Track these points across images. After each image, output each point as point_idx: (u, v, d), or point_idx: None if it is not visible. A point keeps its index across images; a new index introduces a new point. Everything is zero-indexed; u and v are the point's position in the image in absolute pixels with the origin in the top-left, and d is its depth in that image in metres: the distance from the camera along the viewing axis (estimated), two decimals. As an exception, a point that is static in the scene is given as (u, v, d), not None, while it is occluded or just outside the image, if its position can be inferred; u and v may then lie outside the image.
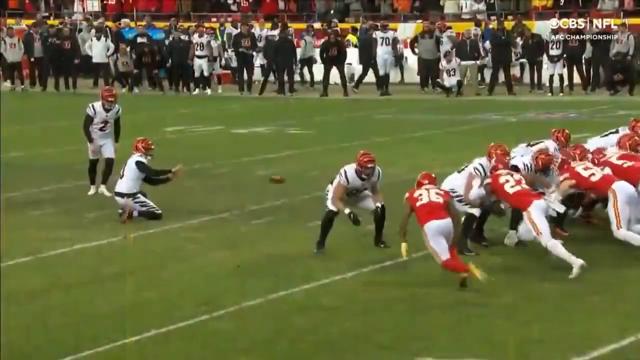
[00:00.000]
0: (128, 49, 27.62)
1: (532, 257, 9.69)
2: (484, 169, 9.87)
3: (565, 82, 24.93)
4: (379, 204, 9.91)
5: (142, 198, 11.55)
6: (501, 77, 25.49)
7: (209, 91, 26.94)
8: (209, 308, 8.20)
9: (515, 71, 26.67)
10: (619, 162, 10.02)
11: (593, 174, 9.86)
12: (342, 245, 10.28)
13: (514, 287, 8.83)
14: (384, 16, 30.07)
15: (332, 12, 31.25)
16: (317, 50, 26.71)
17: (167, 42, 27.65)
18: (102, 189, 12.76)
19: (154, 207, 11.60)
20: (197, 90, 26.99)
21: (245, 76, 26.63)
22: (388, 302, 8.40)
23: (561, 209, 9.58)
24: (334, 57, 25.69)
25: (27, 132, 19.73)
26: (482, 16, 29.08)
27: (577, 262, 9.03)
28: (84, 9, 33.10)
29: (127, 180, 11.58)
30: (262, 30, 27.69)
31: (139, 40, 27.79)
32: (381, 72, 26.08)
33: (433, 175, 9.42)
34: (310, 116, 21.51)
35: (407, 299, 8.48)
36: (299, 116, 21.56)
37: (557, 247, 9.18)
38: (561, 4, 28.79)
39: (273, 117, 21.58)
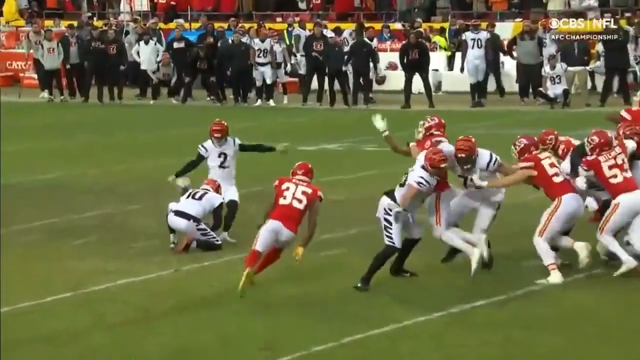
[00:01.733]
0: (169, 58, 27.85)
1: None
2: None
3: (693, 90, 24.72)
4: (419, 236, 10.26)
5: (203, 225, 11.74)
6: (615, 84, 25.40)
7: (272, 102, 27.13)
8: (272, 353, 8.22)
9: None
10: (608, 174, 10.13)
11: (556, 174, 10.10)
12: (426, 282, 10.30)
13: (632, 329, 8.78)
14: (477, 14, 30.05)
15: (415, 10, 31.28)
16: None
17: (220, 44, 27.67)
18: (225, 235, 12.13)
19: (214, 237, 11.73)
20: (259, 101, 27.14)
21: (317, 85, 26.87)
22: (480, 347, 8.39)
23: (483, 184, 10.09)
24: (416, 61, 25.66)
25: (67, 149, 20.01)
26: (593, 14, 28.79)
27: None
28: (131, 9, 33.40)
29: (201, 206, 11.71)
30: (325, 31, 27.59)
31: (176, 45, 27.97)
32: (472, 80, 26.12)
33: (310, 166, 9.89)
34: (390, 130, 21.45)
35: (502, 344, 8.46)
36: (377, 131, 21.55)
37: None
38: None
39: (346, 132, 21.56)
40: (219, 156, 12.39)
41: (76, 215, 13.68)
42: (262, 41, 26.97)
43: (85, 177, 16.78)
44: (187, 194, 11.97)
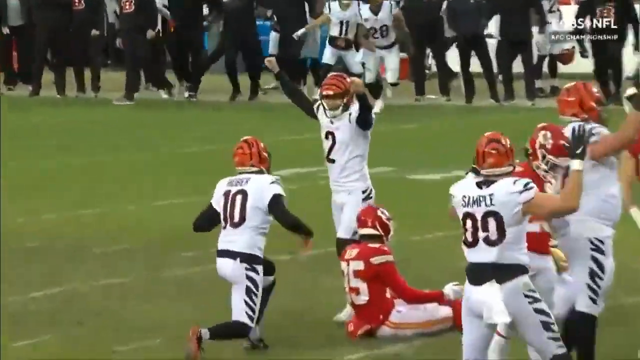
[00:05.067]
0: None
1: None
2: None
3: None
4: None
5: (258, 265, 10.69)
6: None
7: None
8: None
9: None
10: None
11: None
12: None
13: None
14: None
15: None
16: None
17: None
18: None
19: (254, 305, 10.59)
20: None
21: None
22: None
23: None
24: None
25: (3, 177, 17.38)
26: None
27: None
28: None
29: (249, 228, 10.74)
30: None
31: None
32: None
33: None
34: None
35: None
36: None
37: None
38: None
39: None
40: (327, 137, 11.74)
41: (16, 298, 12.08)
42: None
43: (33, 226, 14.98)
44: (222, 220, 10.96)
